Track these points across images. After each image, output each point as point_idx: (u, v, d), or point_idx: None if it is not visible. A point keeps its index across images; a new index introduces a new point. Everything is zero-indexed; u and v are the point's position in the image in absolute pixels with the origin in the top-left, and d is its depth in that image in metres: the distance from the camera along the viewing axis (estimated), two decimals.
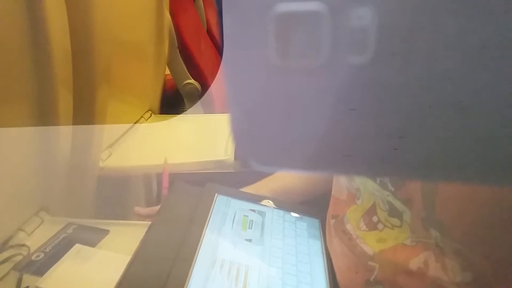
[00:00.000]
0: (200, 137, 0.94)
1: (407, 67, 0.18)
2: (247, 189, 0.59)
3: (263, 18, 0.18)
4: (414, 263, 0.37)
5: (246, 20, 0.18)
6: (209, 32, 1.50)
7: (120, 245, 0.55)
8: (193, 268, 0.42)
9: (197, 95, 1.20)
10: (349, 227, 0.43)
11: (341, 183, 0.47)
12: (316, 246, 0.49)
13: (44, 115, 0.57)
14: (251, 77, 0.19)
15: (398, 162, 0.20)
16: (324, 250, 0.48)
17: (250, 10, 0.18)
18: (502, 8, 0.16)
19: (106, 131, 0.79)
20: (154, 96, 1.08)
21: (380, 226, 0.40)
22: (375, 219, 0.41)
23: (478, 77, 0.17)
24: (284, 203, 0.56)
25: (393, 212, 0.38)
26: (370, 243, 0.40)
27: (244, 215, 0.52)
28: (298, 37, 0.18)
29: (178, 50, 1.19)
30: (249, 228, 0.50)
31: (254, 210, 0.53)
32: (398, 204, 0.37)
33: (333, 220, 0.47)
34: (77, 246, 0.54)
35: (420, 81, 0.18)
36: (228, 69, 0.19)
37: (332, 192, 0.49)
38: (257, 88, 0.20)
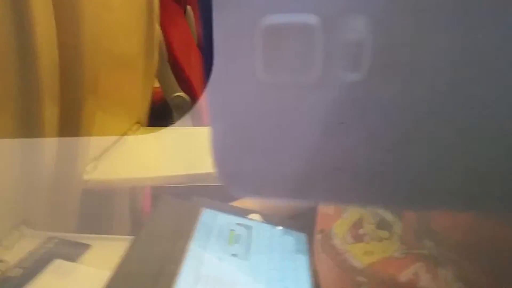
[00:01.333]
0: (188, 149, 0.93)
1: (396, 81, 0.18)
2: (235, 203, 0.59)
3: (252, 31, 0.17)
4: (404, 276, 0.36)
5: (236, 32, 0.18)
6: (199, 45, 1.50)
7: (101, 260, 0.54)
8: (176, 284, 0.41)
9: (186, 107, 1.20)
10: (336, 241, 0.42)
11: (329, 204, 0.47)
12: (303, 262, 0.48)
13: (28, 127, 0.56)
14: (238, 92, 0.19)
15: (387, 176, 0.20)
16: (311, 265, 0.48)
17: (239, 23, 0.17)
18: (486, 25, 0.16)
19: (93, 143, 0.78)
20: (143, 108, 1.08)
21: (367, 238, 0.40)
22: (361, 231, 0.40)
23: (464, 92, 0.17)
24: (272, 217, 0.55)
25: (382, 224, 0.38)
26: (358, 256, 0.40)
27: (231, 229, 0.51)
28: (288, 52, 0.17)
29: (168, 63, 1.19)
30: (235, 242, 0.49)
31: (240, 224, 0.52)
32: (388, 216, 0.37)
33: (320, 235, 0.46)
34: (57, 261, 0.52)
35: (409, 96, 0.18)
36: (214, 83, 0.19)
37: (319, 208, 0.49)
38: (243, 103, 0.19)
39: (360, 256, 0.39)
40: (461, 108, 0.18)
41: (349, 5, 0.17)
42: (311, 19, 0.17)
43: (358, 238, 0.40)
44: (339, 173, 0.20)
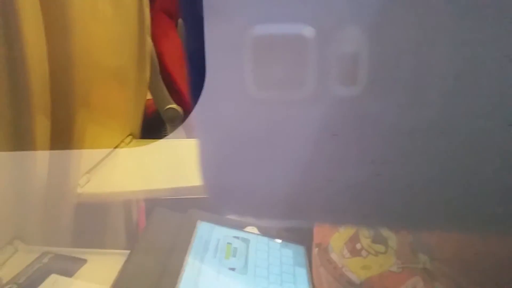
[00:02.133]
0: (182, 162, 0.93)
1: (389, 94, 0.18)
2: (231, 215, 0.58)
3: (243, 44, 0.18)
4: None
5: (226, 46, 0.18)
6: (188, 59, 1.50)
7: (98, 275, 0.53)
8: None
9: (179, 119, 1.20)
10: (333, 256, 0.43)
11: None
12: (302, 275, 0.48)
13: (20, 140, 0.55)
14: (227, 106, 0.19)
15: (380, 188, 0.20)
16: (310, 279, 0.47)
17: (230, 36, 0.18)
18: (475, 39, 0.17)
19: (85, 156, 0.78)
20: (135, 121, 1.07)
21: (364, 253, 0.40)
22: (358, 246, 0.40)
23: (455, 105, 0.18)
24: (269, 229, 0.55)
25: (377, 238, 0.38)
26: (356, 271, 0.40)
27: (228, 243, 0.51)
28: (279, 65, 0.18)
29: (160, 75, 1.19)
30: (232, 256, 0.48)
31: (237, 237, 0.52)
32: (383, 230, 0.37)
33: (317, 249, 0.46)
34: (53, 276, 0.51)
35: (401, 108, 0.18)
36: (203, 96, 0.19)
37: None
38: (233, 118, 0.19)
39: (358, 270, 0.39)
40: (455, 122, 0.18)
41: (342, 18, 0.17)
42: (304, 31, 0.17)
43: (355, 253, 0.40)
44: (331, 185, 0.21)
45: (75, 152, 0.71)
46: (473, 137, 0.18)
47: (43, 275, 0.52)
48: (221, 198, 0.22)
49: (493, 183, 0.20)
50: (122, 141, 0.99)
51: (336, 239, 0.43)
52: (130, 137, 1.04)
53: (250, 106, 0.19)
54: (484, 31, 0.17)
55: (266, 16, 0.18)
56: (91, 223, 0.72)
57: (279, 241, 0.53)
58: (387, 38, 0.17)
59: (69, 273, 0.53)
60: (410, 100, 0.18)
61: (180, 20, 1.41)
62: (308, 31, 0.17)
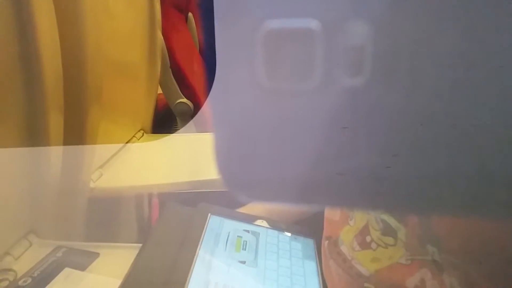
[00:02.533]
0: (193, 156, 0.94)
1: (399, 86, 0.18)
2: (241, 209, 0.59)
3: (253, 37, 0.18)
4: (411, 282, 0.36)
5: (237, 39, 0.18)
6: (201, 52, 1.51)
7: (110, 269, 0.54)
8: None
9: (190, 114, 1.20)
10: (343, 248, 0.42)
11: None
12: (311, 267, 0.48)
13: (34, 136, 0.56)
14: (239, 98, 0.19)
15: (391, 181, 0.20)
16: (319, 271, 0.48)
17: (241, 29, 0.18)
18: (486, 28, 0.16)
19: (97, 151, 0.79)
20: (146, 116, 1.08)
21: (373, 245, 0.39)
22: (368, 239, 0.40)
23: (467, 95, 0.17)
24: (278, 223, 0.55)
25: (386, 230, 0.38)
26: (365, 263, 0.39)
27: (238, 236, 0.51)
28: (289, 57, 0.18)
29: (170, 70, 1.19)
30: (242, 249, 0.49)
31: (248, 231, 0.52)
32: (392, 222, 0.37)
33: (327, 242, 0.46)
34: (67, 270, 0.52)
35: (412, 100, 0.18)
36: (216, 89, 0.19)
37: (325, 213, 0.49)
38: (245, 109, 0.19)
39: (367, 263, 0.39)
40: (463, 111, 0.18)
41: (350, 10, 0.17)
42: (313, 24, 0.17)
43: (364, 245, 0.40)
44: (342, 179, 0.20)
45: (87, 147, 0.72)
46: (484, 128, 0.18)
47: (57, 268, 0.53)
48: (234, 188, 0.22)
49: (505, 174, 0.19)
50: (133, 136, 1.00)
51: (346, 232, 0.43)
52: (142, 131, 1.04)
53: (262, 98, 0.19)
54: (497, 20, 0.17)
55: (275, 12, 0.18)
56: (104, 217, 0.73)
57: (289, 234, 0.53)
58: (397, 29, 0.17)
59: (82, 267, 0.54)
60: (421, 92, 0.18)
61: (190, 14, 1.41)
62: (315, 24, 0.17)
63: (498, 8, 0.16)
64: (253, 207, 0.58)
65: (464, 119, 0.18)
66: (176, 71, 1.21)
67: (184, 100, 1.20)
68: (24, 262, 0.54)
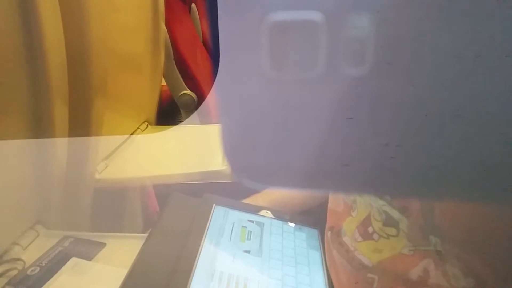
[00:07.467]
0: (197, 147, 0.94)
1: (403, 76, 0.18)
2: (245, 200, 0.59)
3: (258, 28, 0.18)
4: (414, 273, 0.36)
5: (242, 30, 0.18)
6: (205, 43, 1.50)
7: (117, 258, 0.54)
8: (191, 281, 0.41)
9: (194, 105, 1.20)
10: (346, 239, 0.43)
11: (338, 195, 0.47)
12: (315, 257, 0.48)
13: (39, 127, 0.56)
14: (245, 88, 0.19)
15: (395, 171, 0.20)
16: (323, 261, 0.48)
17: (245, 20, 0.18)
18: (492, 18, 0.16)
19: (102, 143, 0.79)
20: (150, 107, 1.08)
21: (375, 236, 0.40)
22: (370, 229, 0.40)
23: (470, 85, 0.17)
24: (283, 213, 0.55)
25: (388, 221, 0.38)
26: (367, 254, 0.40)
27: (243, 226, 0.51)
28: (293, 48, 0.18)
29: (174, 62, 1.19)
30: (247, 239, 0.49)
31: (252, 221, 0.53)
32: (394, 213, 0.37)
33: (330, 232, 0.46)
34: (74, 259, 0.53)
35: (416, 90, 0.18)
36: (221, 80, 0.19)
37: (329, 204, 0.49)
38: (251, 99, 0.19)
39: (369, 253, 0.39)
40: (467, 101, 0.18)
41: (353, 1, 0.17)
42: (316, 15, 0.17)
43: (367, 236, 0.40)
44: (347, 169, 0.21)
45: (93, 139, 0.72)
46: (488, 118, 0.18)
47: (64, 258, 0.53)
48: (242, 175, 0.22)
49: (510, 163, 0.19)
50: (138, 128, 1.00)
51: (348, 222, 0.43)
52: (146, 123, 1.05)
53: (268, 88, 0.19)
54: (503, 11, 0.17)
55: (280, 3, 0.18)
56: (110, 207, 0.74)
57: (293, 224, 0.54)
58: (401, 19, 0.17)
59: (89, 256, 0.54)
60: (425, 82, 0.18)
61: (193, 5, 1.40)
62: (319, 16, 0.17)
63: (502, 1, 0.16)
64: (257, 199, 0.59)
65: (468, 109, 0.18)
66: (180, 62, 1.21)
67: (188, 91, 1.20)
68: (32, 252, 0.55)
